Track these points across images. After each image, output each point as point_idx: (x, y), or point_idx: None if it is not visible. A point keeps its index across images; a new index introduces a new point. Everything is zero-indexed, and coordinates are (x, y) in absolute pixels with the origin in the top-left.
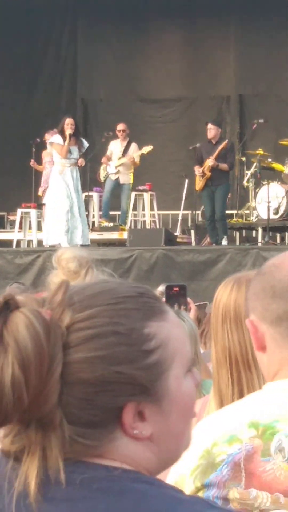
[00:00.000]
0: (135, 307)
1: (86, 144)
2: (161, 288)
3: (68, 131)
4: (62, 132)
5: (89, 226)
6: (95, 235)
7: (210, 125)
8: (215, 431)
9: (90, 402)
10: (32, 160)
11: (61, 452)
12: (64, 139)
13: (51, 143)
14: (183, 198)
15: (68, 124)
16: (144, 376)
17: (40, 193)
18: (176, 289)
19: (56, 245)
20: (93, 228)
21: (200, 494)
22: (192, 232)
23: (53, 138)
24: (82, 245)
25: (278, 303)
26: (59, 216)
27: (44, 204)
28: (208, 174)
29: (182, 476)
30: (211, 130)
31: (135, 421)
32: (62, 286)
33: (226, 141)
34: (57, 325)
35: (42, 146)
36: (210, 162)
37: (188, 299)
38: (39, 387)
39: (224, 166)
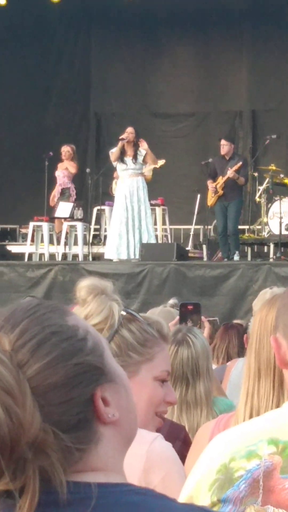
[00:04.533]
0: (48, 310)
1: (142, 152)
2: (172, 301)
3: (122, 136)
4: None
5: (100, 240)
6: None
7: (223, 141)
8: (233, 446)
9: (69, 402)
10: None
11: (63, 466)
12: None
13: (111, 152)
14: (195, 212)
15: (127, 132)
16: (95, 359)
17: (51, 202)
18: (191, 307)
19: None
20: (104, 242)
21: (216, 509)
22: (204, 247)
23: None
24: (121, 260)
25: None
26: (113, 229)
27: (55, 218)
28: (221, 192)
29: (198, 489)
30: (225, 147)
31: (105, 406)
32: None
33: (241, 163)
34: (4, 352)
35: (56, 159)
36: (230, 173)
37: (202, 317)
38: (21, 415)
39: (242, 179)
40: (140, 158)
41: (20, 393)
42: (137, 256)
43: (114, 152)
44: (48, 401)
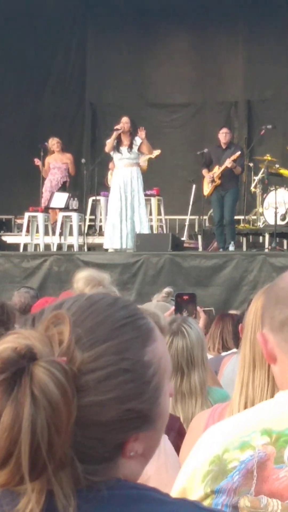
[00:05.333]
0: (134, 335)
1: (138, 141)
2: (167, 289)
3: (117, 127)
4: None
5: (95, 230)
6: (101, 240)
7: (225, 129)
8: (226, 437)
9: (102, 441)
10: (37, 159)
11: (72, 488)
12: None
13: (107, 142)
14: (191, 203)
15: (122, 122)
16: (147, 407)
17: (42, 204)
18: (186, 297)
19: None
20: (100, 233)
21: (209, 500)
22: (199, 237)
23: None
24: (115, 249)
25: (281, 309)
26: (109, 219)
27: (50, 209)
28: (218, 181)
29: (191, 480)
30: (227, 135)
31: (132, 445)
32: (65, 321)
33: (240, 152)
34: (71, 370)
35: (48, 151)
36: (228, 163)
37: (198, 308)
38: (63, 434)
39: (238, 169)
40: (135, 148)
41: (66, 420)
42: (130, 246)
43: (109, 142)
44: (83, 434)
